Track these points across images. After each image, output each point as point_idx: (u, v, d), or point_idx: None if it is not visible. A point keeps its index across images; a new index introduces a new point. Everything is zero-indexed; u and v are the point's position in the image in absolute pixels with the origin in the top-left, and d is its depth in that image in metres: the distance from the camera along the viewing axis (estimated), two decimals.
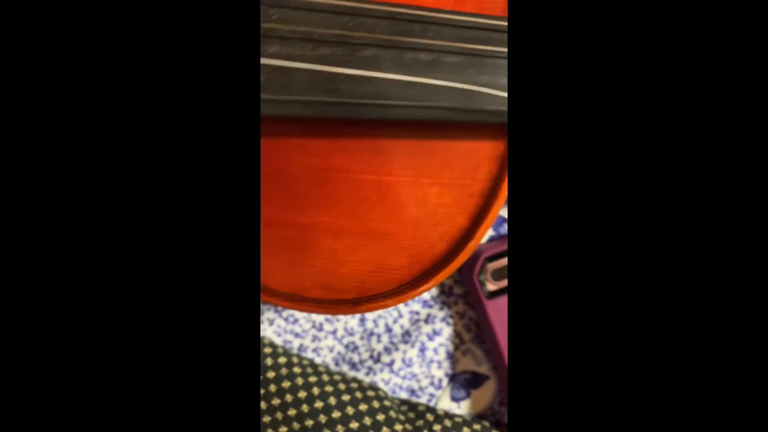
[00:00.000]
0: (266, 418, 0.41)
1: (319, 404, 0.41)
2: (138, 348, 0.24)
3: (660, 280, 0.24)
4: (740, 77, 0.24)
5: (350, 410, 0.41)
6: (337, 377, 0.43)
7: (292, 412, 0.41)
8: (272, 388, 0.42)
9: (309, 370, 0.44)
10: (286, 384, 0.42)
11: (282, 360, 0.43)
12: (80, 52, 0.24)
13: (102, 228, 0.24)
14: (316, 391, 0.42)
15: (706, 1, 0.24)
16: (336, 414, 0.41)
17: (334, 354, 0.46)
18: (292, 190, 0.34)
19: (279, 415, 0.41)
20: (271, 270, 0.34)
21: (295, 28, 0.30)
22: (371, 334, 0.46)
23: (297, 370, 0.43)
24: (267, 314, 0.46)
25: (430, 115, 0.31)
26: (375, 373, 0.45)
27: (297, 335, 0.46)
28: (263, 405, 0.42)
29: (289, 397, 0.42)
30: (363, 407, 0.41)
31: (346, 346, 0.47)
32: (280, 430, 0.40)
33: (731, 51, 0.24)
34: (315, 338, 0.47)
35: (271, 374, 0.43)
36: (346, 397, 0.42)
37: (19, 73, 0.24)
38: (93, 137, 0.24)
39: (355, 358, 0.46)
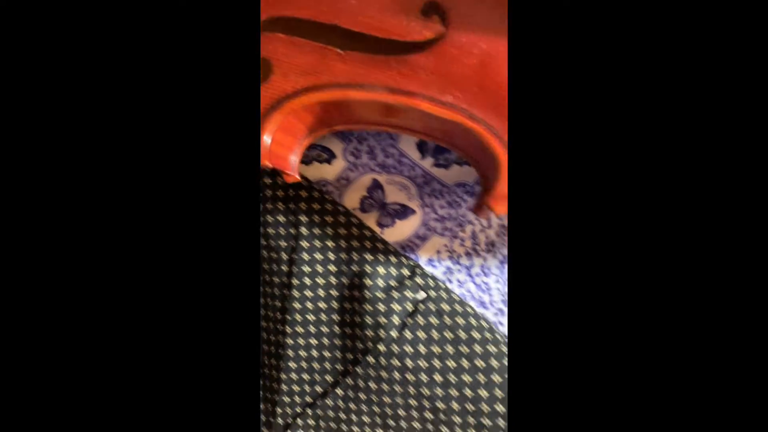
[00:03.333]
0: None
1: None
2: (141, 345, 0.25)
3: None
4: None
5: None
6: None
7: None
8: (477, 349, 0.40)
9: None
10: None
11: (488, 336, 0.42)
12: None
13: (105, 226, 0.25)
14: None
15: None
16: None
17: None
18: None
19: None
20: None
21: None
22: None
23: (504, 349, 0.41)
24: (458, 275, 0.45)
25: None
26: None
27: (482, 304, 0.45)
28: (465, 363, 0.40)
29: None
30: None
31: None
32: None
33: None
34: (500, 312, 0.45)
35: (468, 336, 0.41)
36: None
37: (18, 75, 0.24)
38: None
39: None
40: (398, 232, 0.46)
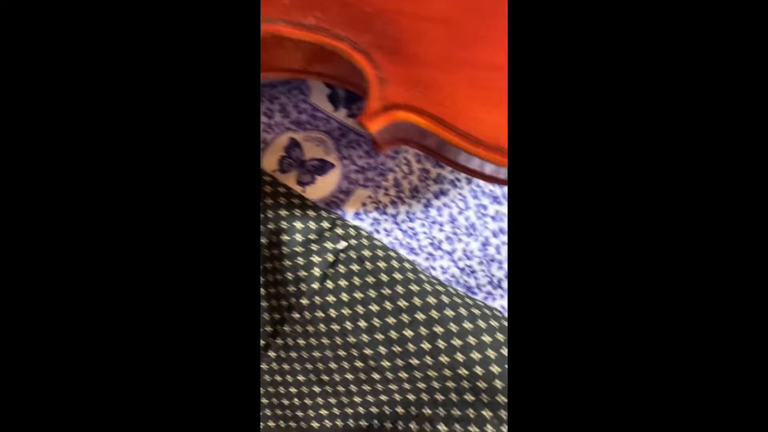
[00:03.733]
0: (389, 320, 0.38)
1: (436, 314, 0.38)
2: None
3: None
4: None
5: (468, 326, 0.38)
6: (458, 299, 0.40)
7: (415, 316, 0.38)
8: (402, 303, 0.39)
9: (428, 287, 0.41)
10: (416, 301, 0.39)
11: (411, 276, 0.40)
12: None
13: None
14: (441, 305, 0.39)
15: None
16: (453, 327, 0.38)
17: (448, 276, 0.44)
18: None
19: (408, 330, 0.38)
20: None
21: None
22: (492, 260, 0.43)
23: (428, 287, 0.40)
24: (384, 224, 0.44)
25: None
26: (494, 299, 0.42)
27: (412, 250, 0.44)
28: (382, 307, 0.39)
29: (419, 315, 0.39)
30: (482, 324, 0.38)
31: (462, 270, 0.43)
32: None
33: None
34: (430, 257, 0.44)
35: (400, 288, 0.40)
36: (463, 311, 0.39)
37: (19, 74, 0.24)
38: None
39: (472, 282, 0.43)
40: (320, 188, 0.45)
